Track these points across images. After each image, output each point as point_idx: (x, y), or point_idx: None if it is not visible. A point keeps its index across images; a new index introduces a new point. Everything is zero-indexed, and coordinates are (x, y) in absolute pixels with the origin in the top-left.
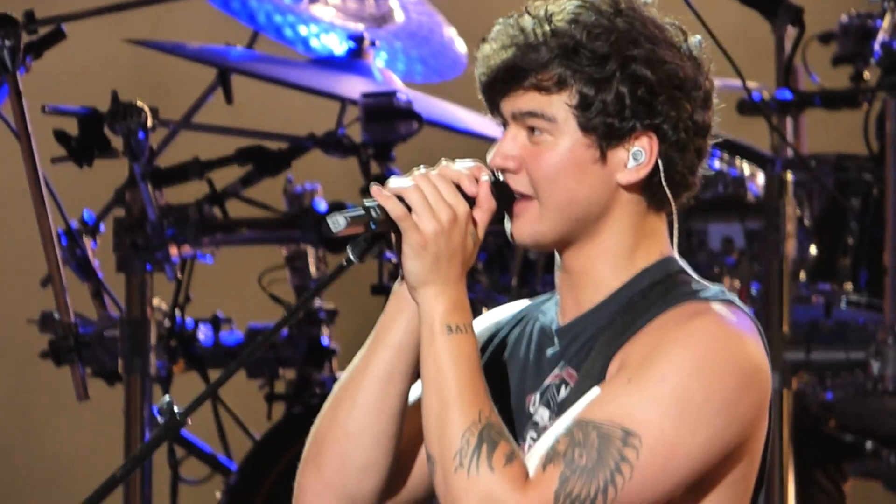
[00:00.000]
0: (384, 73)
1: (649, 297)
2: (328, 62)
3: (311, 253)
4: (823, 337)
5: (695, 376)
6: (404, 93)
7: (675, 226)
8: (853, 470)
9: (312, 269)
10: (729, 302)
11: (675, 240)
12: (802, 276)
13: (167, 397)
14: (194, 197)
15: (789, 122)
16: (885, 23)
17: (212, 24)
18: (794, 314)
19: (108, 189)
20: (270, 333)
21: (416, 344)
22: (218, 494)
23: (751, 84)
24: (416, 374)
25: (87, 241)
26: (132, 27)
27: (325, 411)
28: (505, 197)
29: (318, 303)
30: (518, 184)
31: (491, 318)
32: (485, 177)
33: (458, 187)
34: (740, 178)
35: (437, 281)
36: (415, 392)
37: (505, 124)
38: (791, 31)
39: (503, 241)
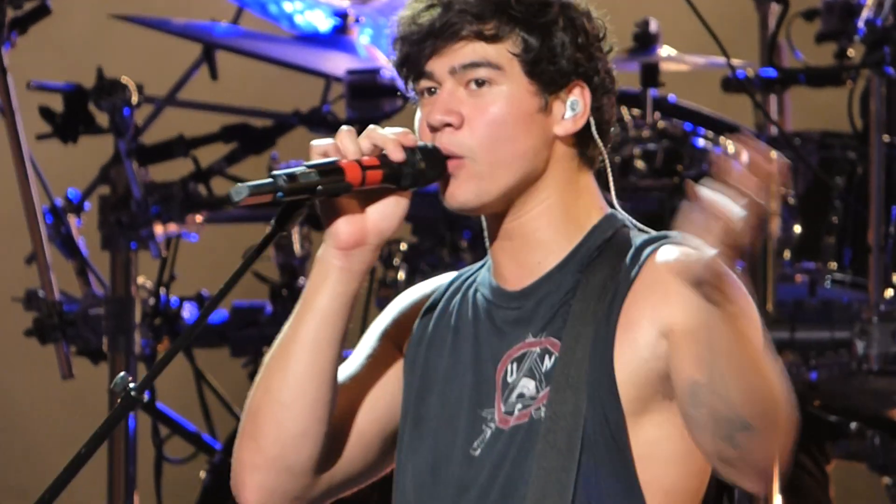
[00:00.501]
0: (369, 49)
1: (606, 253)
2: (313, 39)
3: (295, 231)
4: (808, 316)
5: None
6: (389, 69)
7: (611, 178)
8: (837, 451)
9: (297, 247)
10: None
11: (613, 191)
12: (787, 254)
13: (122, 374)
14: (179, 174)
15: (773, 99)
16: (870, 0)
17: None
18: (778, 293)
19: (94, 166)
20: (210, 305)
21: (341, 309)
22: (202, 473)
23: (735, 61)
24: (343, 341)
25: (72, 219)
26: (117, 2)
27: (257, 383)
28: (435, 164)
29: (301, 281)
30: (456, 143)
31: (419, 291)
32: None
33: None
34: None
35: None
36: (345, 369)
37: (430, 90)
38: (775, 8)
39: None
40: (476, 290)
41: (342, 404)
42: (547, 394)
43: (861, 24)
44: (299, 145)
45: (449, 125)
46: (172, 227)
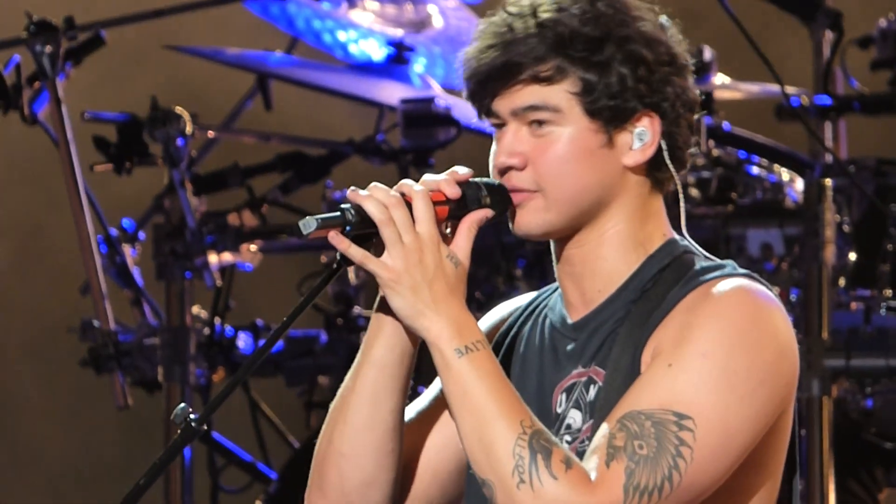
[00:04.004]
0: (423, 78)
1: (661, 282)
2: (367, 68)
3: None
4: (863, 343)
5: (735, 350)
6: (443, 98)
7: (682, 204)
8: (892, 478)
9: (352, 275)
10: (747, 275)
11: (683, 218)
12: (842, 282)
13: (182, 405)
14: (234, 203)
15: (828, 127)
16: None
17: (251, 29)
18: (833, 320)
19: (148, 196)
20: (271, 339)
21: (398, 360)
22: (258, 503)
23: (789, 89)
24: (405, 390)
25: (127, 249)
26: (171, 33)
27: (322, 434)
28: (500, 200)
29: (357, 310)
30: (523, 181)
31: (498, 314)
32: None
33: (449, 199)
34: (779, 184)
35: (425, 310)
36: (412, 408)
37: (499, 125)
38: (829, 36)
39: (543, 246)
40: (546, 316)
41: (415, 442)
42: (591, 426)
43: None
44: (353, 174)
45: (513, 168)
46: (227, 257)
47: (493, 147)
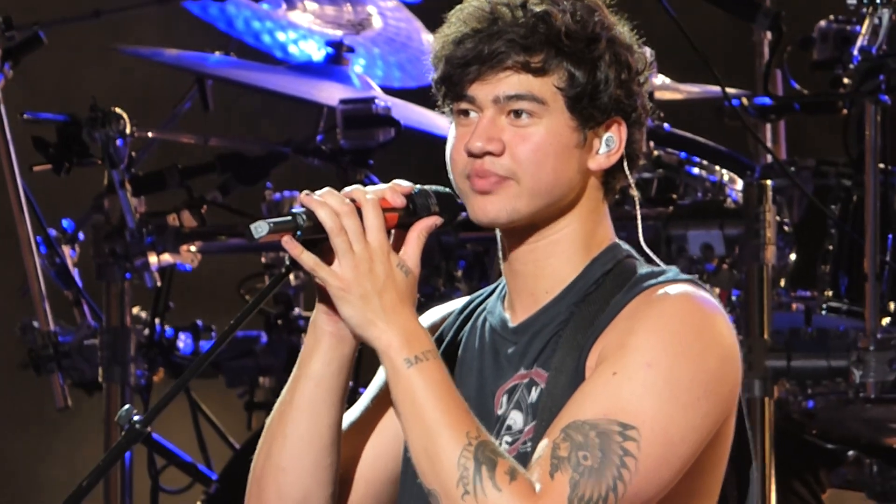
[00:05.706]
0: (362, 78)
1: (603, 286)
2: (306, 68)
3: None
4: (804, 344)
5: (680, 358)
6: (382, 99)
7: (638, 209)
8: (835, 479)
9: (291, 276)
10: (689, 281)
11: (640, 224)
12: (783, 282)
13: (127, 406)
14: (173, 204)
15: (768, 127)
16: (864, 28)
17: (190, 30)
18: (774, 321)
19: (88, 197)
20: (217, 344)
21: (337, 374)
22: (198, 503)
23: (730, 90)
24: (343, 404)
25: (66, 250)
26: (111, 33)
27: (259, 447)
28: (449, 208)
29: (297, 311)
30: (498, 167)
31: (429, 319)
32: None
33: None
34: (719, 184)
35: (375, 319)
36: (349, 416)
37: (466, 111)
38: (769, 36)
39: (482, 248)
40: (485, 320)
41: (348, 454)
42: (533, 427)
43: (856, 52)
44: (292, 175)
45: (489, 153)
46: (166, 258)
47: (453, 132)
